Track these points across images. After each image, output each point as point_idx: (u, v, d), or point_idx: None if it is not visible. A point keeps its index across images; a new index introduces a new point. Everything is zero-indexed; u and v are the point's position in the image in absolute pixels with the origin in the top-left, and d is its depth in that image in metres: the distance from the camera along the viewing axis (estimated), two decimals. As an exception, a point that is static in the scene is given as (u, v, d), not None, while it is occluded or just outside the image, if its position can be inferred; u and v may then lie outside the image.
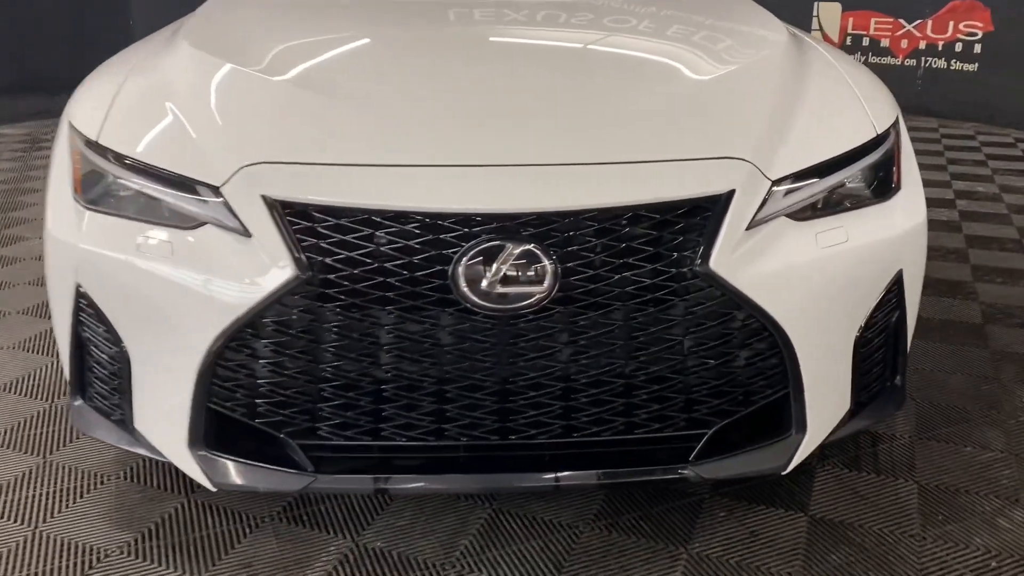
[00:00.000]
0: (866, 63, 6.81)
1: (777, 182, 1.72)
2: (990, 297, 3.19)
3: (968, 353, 2.74)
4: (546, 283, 1.55)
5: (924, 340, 2.82)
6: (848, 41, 6.91)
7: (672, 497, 2.01)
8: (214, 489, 1.71)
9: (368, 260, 1.55)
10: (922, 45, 6.63)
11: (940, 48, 6.55)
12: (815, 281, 1.73)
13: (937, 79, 6.61)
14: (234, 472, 1.69)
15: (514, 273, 1.54)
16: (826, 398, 1.83)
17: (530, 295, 1.55)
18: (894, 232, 1.85)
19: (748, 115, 1.83)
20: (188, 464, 1.71)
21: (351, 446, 1.67)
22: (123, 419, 1.78)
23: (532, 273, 1.54)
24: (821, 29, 6.97)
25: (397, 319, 1.58)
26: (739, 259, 1.63)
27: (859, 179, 1.86)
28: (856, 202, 1.84)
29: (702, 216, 1.62)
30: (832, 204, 1.81)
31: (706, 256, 1.60)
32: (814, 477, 2.12)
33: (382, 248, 1.56)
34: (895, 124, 2.01)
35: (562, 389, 1.66)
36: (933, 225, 4.13)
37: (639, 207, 1.59)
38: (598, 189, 1.60)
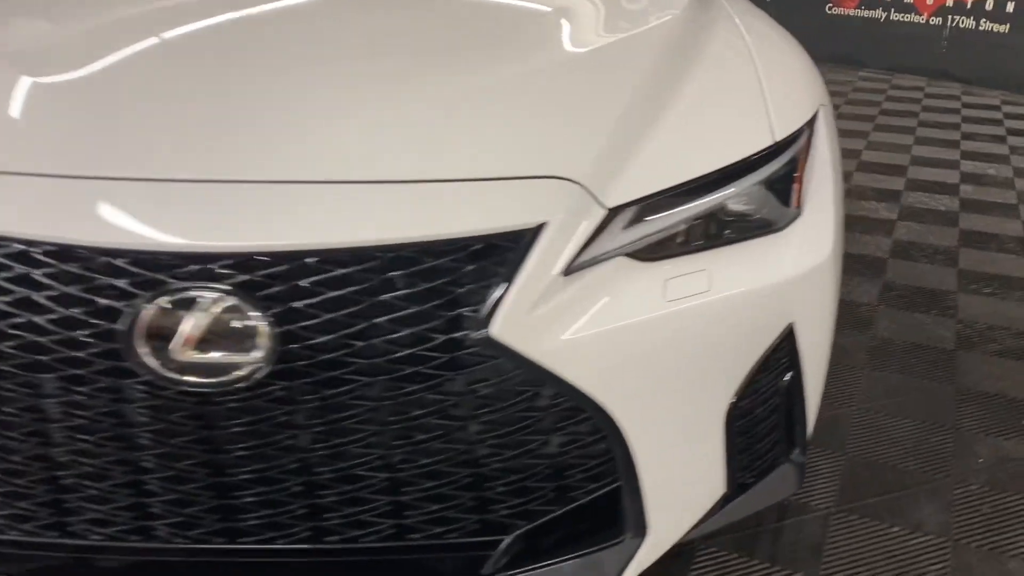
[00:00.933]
0: (886, 21, 6.20)
1: (616, 211, 1.27)
2: (971, 313, 2.70)
3: (927, 389, 2.28)
4: (261, 350, 1.13)
5: (880, 369, 2.37)
6: (867, -5, 6.30)
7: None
8: None
9: (16, 311, 1.14)
10: (949, 2, 6.00)
11: (969, 6, 5.91)
12: (658, 346, 1.29)
13: (964, 40, 5.98)
14: None
15: (217, 336, 1.12)
16: (682, 487, 1.41)
17: (238, 366, 1.13)
18: (783, 275, 1.39)
19: (590, 118, 1.37)
20: None
21: (34, 543, 1.29)
22: None
23: (241, 336, 1.12)
24: (838, -19, 6.37)
25: (62, 390, 1.17)
26: (542, 319, 1.19)
27: (742, 202, 1.41)
28: (734, 234, 1.39)
29: (492, 261, 1.18)
30: (697, 238, 1.36)
31: (488, 316, 1.16)
32: (691, 563, 1.70)
33: (38, 295, 1.14)
34: (810, 123, 1.55)
35: (304, 484, 1.25)
36: (926, 216, 3.66)
37: (397, 247, 1.16)
38: (337, 220, 1.16)
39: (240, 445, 1.20)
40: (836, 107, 5.32)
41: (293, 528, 1.28)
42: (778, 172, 1.43)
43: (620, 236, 1.29)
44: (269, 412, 1.18)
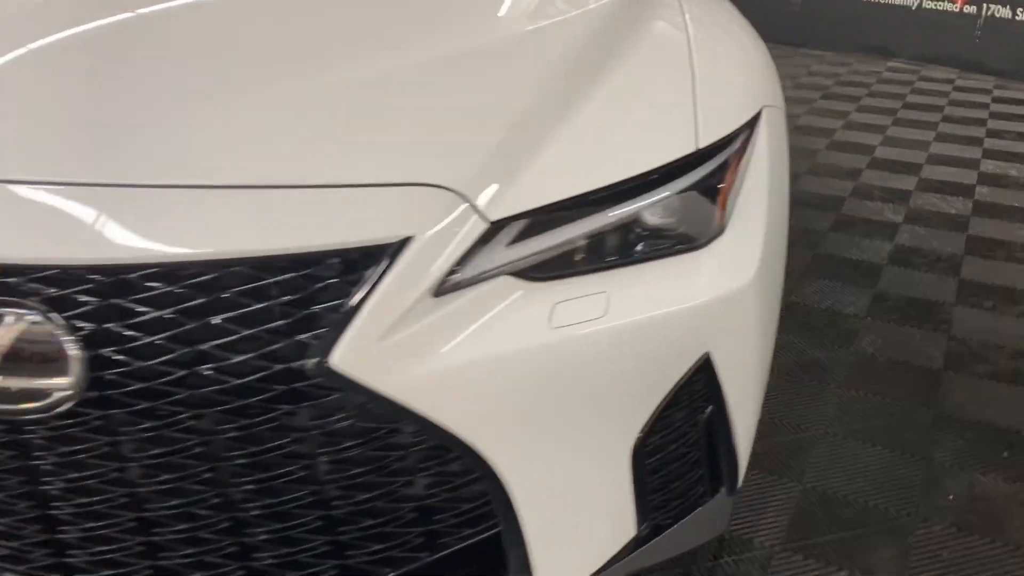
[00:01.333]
0: (918, 8, 5.93)
1: (500, 224, 1.13)
2: (966, 329, 2.51)
3: (905, 414, 2.11)
4: (70, 375, 1.00)
5: (856, 389, 2.19)
6: (898, -18, 6.03)
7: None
8: None
9: None
10: (985, -10, 5.71)
11: (1005, -6, 5.62)
12: (540, 378, 1.14)
13: (999, 31, 5.69)
14: None
15: (21, 359, 1.00)
16: (579, 529, 1.26)
17: (46, 392, 1.01)
18: (696, 299, 1.23)
19: (481, 118, 1.22)
20: None
21: None
22: None
23: (49, 360, 1.00)
24: (868, -33, 6.10)
25: None
26: (399, 346, 1.05)
27: (654, 215, 1.25)
28: (644, 252, 1.24)
29: (344, 279, 1.05)
30: (599, 256, 1.21)
31: (330, 344, 1.02)
32: (611, 605, 1.56)
33: None
34: (750, 126, 1.38)
35: (136, 521, 1.12)
36: (933, 220, 3.42)
37: (230, 262, 1.02)
38: (160, 230, 1.03)
39: (61, 476, 1.08)
40: (857, 99, 5.09)
41: (130, 567, 1.15)
42: (699, 183, 1.28)
43: (505, 253, 1.14)
44: (89, 442, 1.05)
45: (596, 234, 1.20)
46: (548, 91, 1.28)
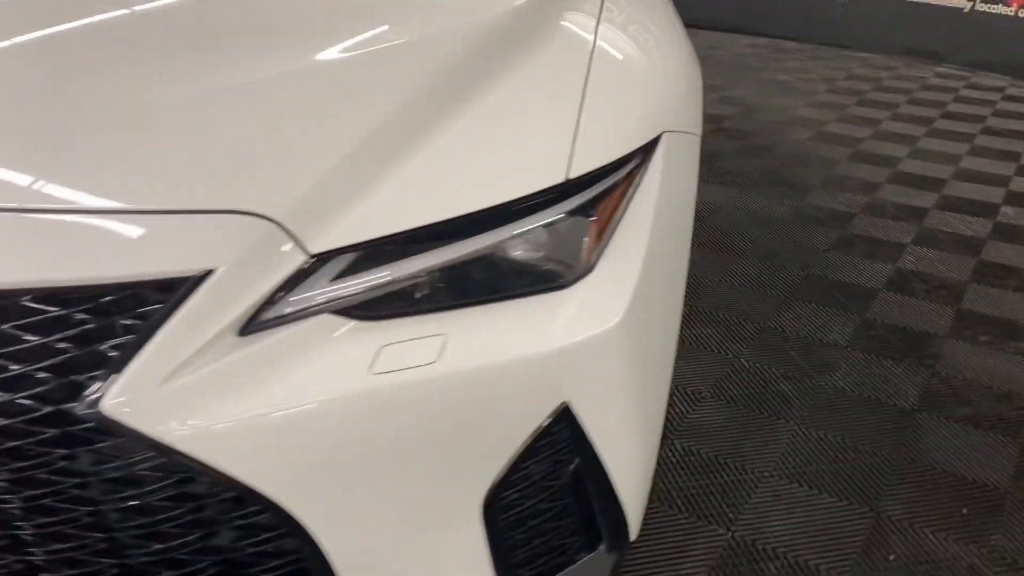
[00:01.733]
0: (971, 12, 5.64)
1: (325, 257, 1.03)
2: (953, 365, 2.33)
3: (863, 458, 1.95)
4: None
5: (817, 427, 2.04)
6: (950, -16, 5.75)
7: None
8: None
9: None
10: (1042, -6, 5.40)
11: (1063, -1, 5.30)
12: (359, 428, 1.04)
13: (1056, 38, 5.38)
14: None
15: None
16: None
17: None
18: (551, 345, 1.12)
19: (316, 140, 1.12)
20: None
21: None
22: None
23: None
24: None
25: None
26: (188, 390, 0.97)
27: (511, 251, 1.14)
28: (497, 291, 1.13)
29: (130, 315, 0.96)
30: (443, 295, 1.11)
31: (106, 386, 0.94)
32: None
33: None
34: (643, 152, 1.26)
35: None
36: (945, 242, 3.17)
37: (6, 293, 0.95)
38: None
39: None
40: (894, 106, 4.85)
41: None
42: (565, 217, 1.16)
43: (329, 289, 1.05)
44: None
45: (439, 270, 1.10)
46: (407, 111, 1.17)
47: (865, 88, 5.21)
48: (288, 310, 1.03)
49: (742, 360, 2.30)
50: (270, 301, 1.02)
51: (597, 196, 1.19)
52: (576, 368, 1.15)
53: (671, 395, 2.12)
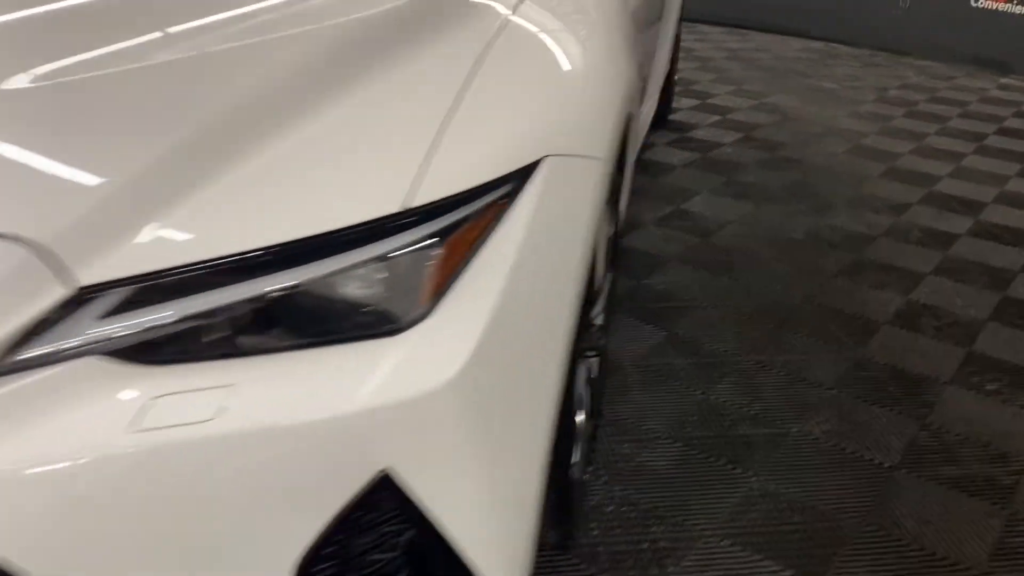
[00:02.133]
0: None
1: (94, 289, 0.89)
2: (949, 416, 2.09)
3: (819, 521, 1.74)
4: None
5: (780, 482, 1.83)
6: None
7: None
8: None
9: None
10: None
11: None
12: (120, 493, 0.90)
13: None
14: None
15: None
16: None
17: None
18: (364, 404, 0.96)
19: (98, 155, 0.98)
20: None
21: None
22: None
23: None
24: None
25: None
26: None
27: (326, 289, 0.98)
28: (299, 337, 0.97)
29: None
30: (233, 338, 0.95)
31: None
32: None
33: None
34: (505, 181, 1.09)
35: None
36: (971, 273, 2.83)
37: None
38: None
39: None
40: (944, 120, 4.52)
41: None
42: (396, 253, 1.00)
43: (95, 327, 0.91)
44: None
45: (234, 308, 0.95)
46: (228, 125, 1.03)
47: (917, 99, 4.89)
48: (45, 350, 0.89)
49: (710, 397, 2.10)
50: (23, 339, 0.88)
51: (446, 228, 1.03)
52: (398, 431, 0.99)
53: (623, 433, 1.94)
